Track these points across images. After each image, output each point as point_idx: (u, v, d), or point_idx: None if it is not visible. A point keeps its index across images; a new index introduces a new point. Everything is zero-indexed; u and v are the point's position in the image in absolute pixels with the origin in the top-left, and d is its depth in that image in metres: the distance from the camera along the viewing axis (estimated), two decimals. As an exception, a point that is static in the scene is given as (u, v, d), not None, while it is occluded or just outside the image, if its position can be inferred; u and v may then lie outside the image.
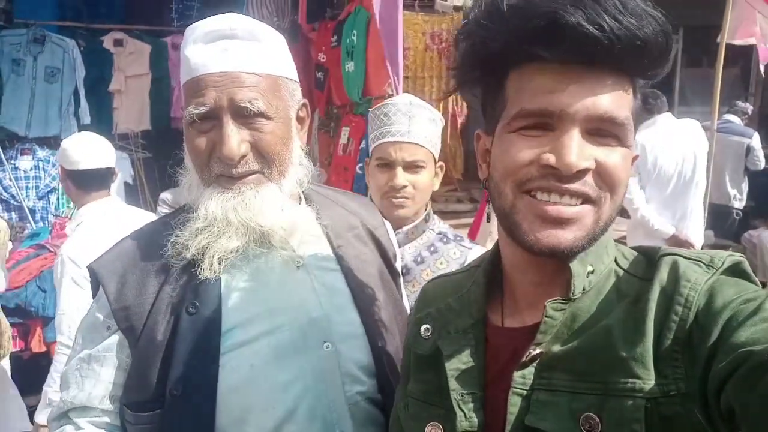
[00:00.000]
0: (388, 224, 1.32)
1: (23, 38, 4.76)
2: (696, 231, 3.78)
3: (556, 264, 0.75)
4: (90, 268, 1.08)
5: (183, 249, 1.02)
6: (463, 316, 0.84)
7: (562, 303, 0.73)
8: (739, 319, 0.61)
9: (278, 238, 1.05)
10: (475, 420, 0.76)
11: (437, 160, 1.68)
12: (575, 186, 0.69)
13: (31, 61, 4.77)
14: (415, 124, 1.59)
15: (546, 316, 0.73)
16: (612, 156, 0.70)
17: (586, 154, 0.69)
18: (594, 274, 0.75)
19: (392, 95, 3.98)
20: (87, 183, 2.43)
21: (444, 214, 5.89)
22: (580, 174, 0.69)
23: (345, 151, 4.52)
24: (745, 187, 5.59)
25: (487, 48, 0.73)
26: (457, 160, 6.46)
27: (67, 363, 1.07)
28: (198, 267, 1.01)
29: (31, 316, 3.08)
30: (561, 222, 0.70)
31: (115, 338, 1.03)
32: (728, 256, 0.71)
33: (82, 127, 4.98)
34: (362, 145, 4.18)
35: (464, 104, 5.92)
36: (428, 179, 1.64)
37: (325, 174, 4.95)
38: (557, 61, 0.68)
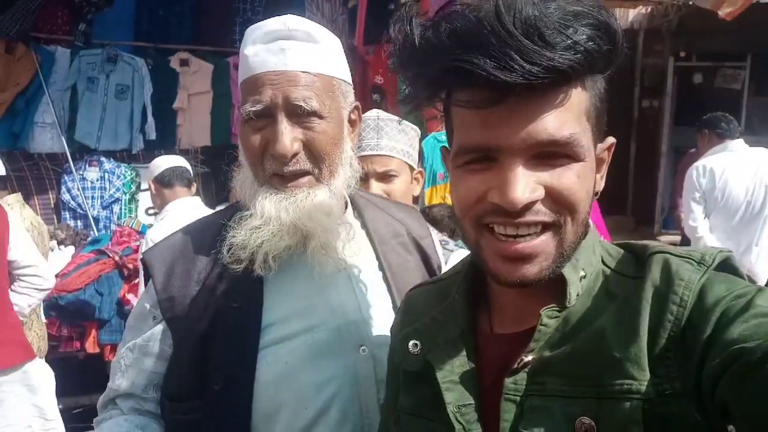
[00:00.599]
0: (435, 234, 1.31)
1: (98, 58, 5.07)
2: (764, 266, 3.58)
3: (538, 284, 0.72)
4: (142, 258, 1.12)
5: (239, 249, 1.02)
6: (449, 327, 0.82)
7: (557, 311, 0.72)
8: (731, 315, 0.61)
9: (320, 241, 1.05)
10: (475, 431, 0.74)
11: (414, 167, 1.74)
12: (527, 218, 0.66)
13: (104, 78, 5.07)
14: (383, 137, 1.66)
15: (541, 325, 0.71)
16: (564, 177, 0.66)
17: (531, 185, 0.65)
18: (585, 279, 0.73)
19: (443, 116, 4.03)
20: (170, 180, 2.98)
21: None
22: (528, 206, 0.66)
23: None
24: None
25: (417, 86, 0.71)
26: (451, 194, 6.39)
27: (117, 352, 1.11)
28: (242, 263, 1.02)
29: (87, 318, 3.22)
30: (523, 258, 0.68)
31: (159, 328, 1.05)
32: (718, 252, 0.69)
33: (147, 143, 5.24)
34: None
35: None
36: (403, 187, 1.69)
37: None
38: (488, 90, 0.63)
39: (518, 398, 0.70)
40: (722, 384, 0.57)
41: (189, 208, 2.87)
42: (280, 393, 0.99)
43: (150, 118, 5.22)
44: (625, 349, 0.65)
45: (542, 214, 0.67)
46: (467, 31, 0.62)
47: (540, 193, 0.66)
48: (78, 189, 4.88)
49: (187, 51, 5.30)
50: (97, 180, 4.97)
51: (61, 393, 3.33)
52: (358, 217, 1.19)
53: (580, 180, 0.67)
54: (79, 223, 4.90)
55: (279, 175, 1.03)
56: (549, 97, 0.64)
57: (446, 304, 0.85)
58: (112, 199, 5.01)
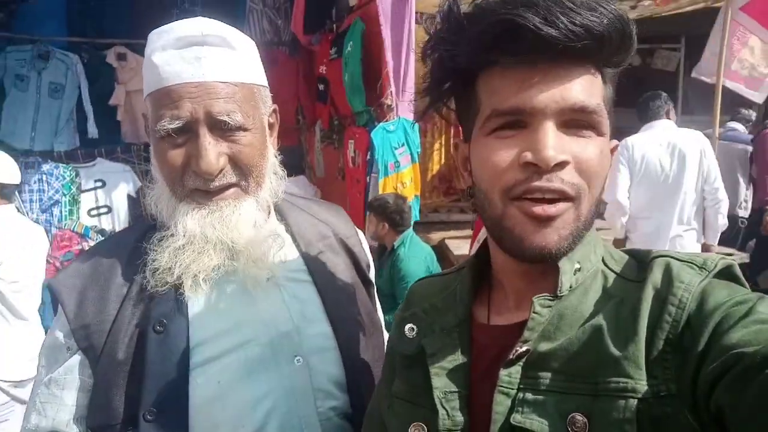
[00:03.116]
0: (360, 233, 1.29)
1: (28, 54, 4.82)
2: (690, 237, 3.74)
3: (544, 268, 0.75)
4: (48, 286, 1.03)
5: (165, 273, 0.97)
6: (448, 315, 0.84)
7: (549, 300, 0.73)
8: (731, 321, 0.61)
9: (249, 254, 1.01)
10: (459, 419, 0.75)
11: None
12: (555, 184, 0.69)
13: (36, 76, 4.82)
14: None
15: (533, 312, 0.72)
16: (588, 148, 0.70)
17: (562, 147, 0.68)
18: (581, 272, 0.74)
19: (391, 106, 4.02)
20: None
21: (447, 224, 5.89)
22: (559, 167, 0.68)
23: (354, 164, 4.55)
24: (749, 195, 5.55)
25: (453, 59, 0.74)
26: (461, 170, 6.46)
27: (32, 390, 1.02)
28: (167, 284, 0.97)
29: (30, 328, 3.07)
30: (547, 220, 0.70)
31: (76, 358, 0.97)
32: (720, 260, 0.70)
33: (88, 141, 5.03)
34: (368, 156, 4.20)
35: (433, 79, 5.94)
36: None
37: (320, 191, 4.95)
38: (522, 61, 0.69)
39: (512, 391, 0.70)
40: (719, 388, 0.58)
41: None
42: (215, 413, 0.95)
43: (90, 116, 5.02)
44: (622, 347, 0.66)
45: (567, 184, 0.69)
46: None
47: (569, 156, 0.69)
48: (15, 193, 4.65)
49: (124, 45, 5.11)
50: (35, 182, 4.75)
51: None
52: (282, 222, 1.14)
53: (601, 156, 0.71)
54: (16, 228, 4.68)
55: (202, 190, 0.98)
56: (580, 69, 0.70)
57: (447, 294, 0.87)
58: (52, 202, 4.80)
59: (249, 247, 1.01)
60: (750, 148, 5.45)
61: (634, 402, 0.63)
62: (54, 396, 0.97)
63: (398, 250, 3.74)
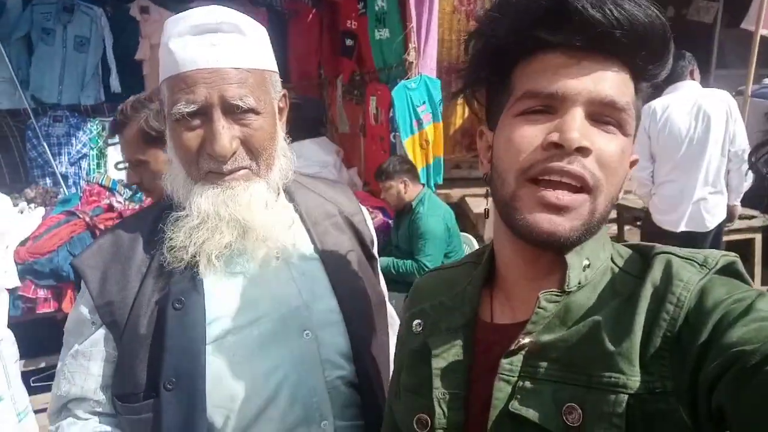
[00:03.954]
0: (365, 210, 1.34)
1: (53, 7, 4.83)
2: (715, 200, 3.68)
3: (551, 259, 0.75)
4: (72, 265, 1.10)
5: (180, 251, 1.03)
6: (455, 315, 0.85)
7: (556, 295, 0.74)
8: (731, 318, 0.61)
9: (259, 233, 1.06)
10: (454, 419, 0.77)
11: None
12: (575, 167, 0.69)
13: (61, 30, 4.85)
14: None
15: (538, 307, 0.73)
16: (611, 144, 0.71)
17: (587, 134, 0.69)
18: (590, 269, 0.75)
19: (412, 62, 3.97)
20: None
21: (468, 181, 5.86)
22: (581, 152, 0.69)
23: (377, 121, 4.53)
24: (779, 154, 5.39)
25: (496, 40, 0.75)
26: (482, 158, 6.36)
27: (60, 360, 1.10)
28: (183, 262, 1.03)
29: (63, 280, 3.22)
30: (559, 208, 0.70)
31: (101, 332, 1.05)
32: (722, 256, 0.70)
33: (112, 95, 5.09)
34: (390, 114, 4.17)
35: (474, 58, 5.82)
36: None
37: (362, 143, 4.95)
38: (561, 47, 0.70)
39: (512, 379, 0.72)
40: (720, 387, 0.58)
41: None
42: (230, 385, 1.02)
43: (114, 71, 5.06)
44: (617, 343, 0.66)
45: (587, 170, 0.69)
46: None
47: (590, 144, 0.69)
48: (44, 146, 4.77)
49: (147, -3, 5.09)
50: (63, 136, 4.86)
51: (40, 353, 3.40)
52: (290, 201, 1.19)
53: (623, 154, 0.72)
54: (47, 180, 4.82)
55: (216, 172, 1.03)
56: (613, 66, 0.70)
57: (456, 292, 0.88)
58: (80, 155, 4.92)
59: (260, 226, 1.05)
60: None
61: (624, 397, 0.64)
62: (81, 366, 1.05)
63: (417, 207, 3.75)
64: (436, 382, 0.80)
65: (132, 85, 5.15)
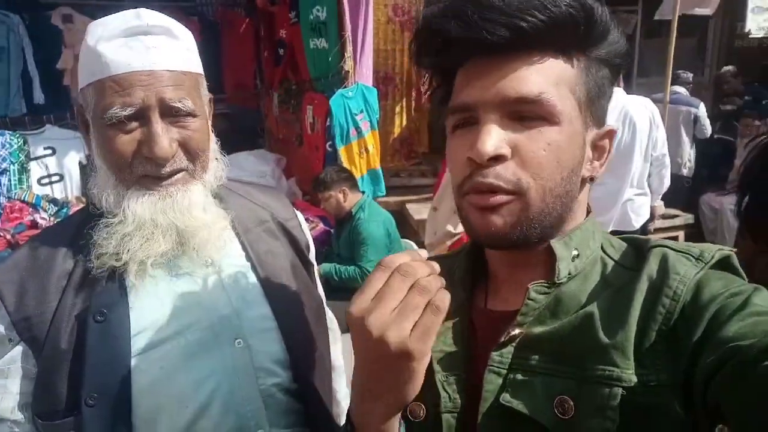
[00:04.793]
0: (300, 215, 1.33)
1: (-35, 15, 4.56)
2: (640, 201, 3.88)
3: (531, 255, 0.75)
4: None
5: (111, 258, 0.99)
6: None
7: (546, 286, 0.73)
8: (727, 313, 0.61)
9: (199, 239, 1.03)
10: (459, 401, 0.76)
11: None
12: (489, 180, 0.69)
13: (-25, 38, 4.58)
14: None
15: (528, 299, 0.72)
16: (535, 140, 0.69)
17: (498, 141, 0.68)
18: (579, 259, 0.74)
19: (348, 71, 3.98)
20: None
21: (408, 189, 5.92)
22: (496, 161, 0.68)
23: (313, 130, 4.51)
24: (692, 155, 5.76)
25: (424, 67, 0.78)
26: (421, 134, 6.48)
27: None
28: (110, 269, 0.99)
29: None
30: (488, 207, 0.70)
31: (18, 349, 0.99)
32: (717, 250, 0.70)
33: (35, 107, 4.84)
34: (327, 123, 4.16)
35: (429, 77, 5.92)
36: None
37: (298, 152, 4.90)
38: (473, 58, 0.71)
39: (503, 371, 0.71)
40: (716, 382, 0.57)
41: None
42: (157, 397, 0.98)
43: (36, 81, 4.81)
44: (611, 336, 0.66)
45: (501, 178, 0.69)
46: (450, 2, 0.69)
47: (506, 150, 0.68)
48: (-41, 161, 4.47)
49: (69, 6, 4.88)
50: (-20, 150, 4.56)
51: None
52: (220, 206, 1.16)
53: (552, 145, 0.69)
54: (-36, 198, 4.51)
55: (151, 176, 1.00)
56: (520, 59, 0.69)
57: (447, 278, 0.87)
58: (0, 171, 4.63)
59: (200, 231, 1.03)
60: (693, 110, 5.64)
61: (618, 390, 0.63)
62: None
63: (357, 214, 3.75)
64: (437, 366, 0.77)
65: (55, 96, 4.93)
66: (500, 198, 0.70)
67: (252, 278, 1.12)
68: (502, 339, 0.72)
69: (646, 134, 3.74)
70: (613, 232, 3.13)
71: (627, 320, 0.66)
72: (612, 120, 3.73)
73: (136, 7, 1.04)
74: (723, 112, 6.20)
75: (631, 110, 3.72)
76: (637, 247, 0.76)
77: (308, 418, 1.10)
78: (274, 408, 1.06)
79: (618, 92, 3.83)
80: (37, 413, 0.98)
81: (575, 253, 0.74)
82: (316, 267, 1.33)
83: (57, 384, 0.96)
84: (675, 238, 5.04)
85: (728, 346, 0.57)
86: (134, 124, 0.97)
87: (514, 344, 0.72)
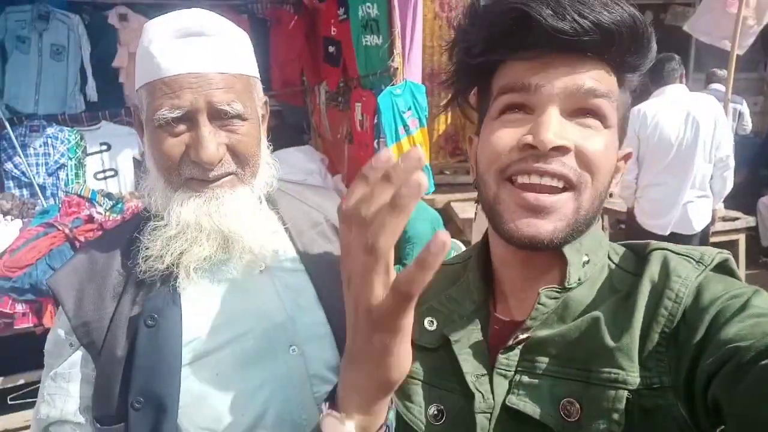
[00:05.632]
0: None
1: (28, 15, 4.72)
2: (701, 203, 3.72)
3: (547, 257, 0.75)
4: (48, 284, 1.06)
5: (156, 261, 0.99)
6: (465, 303, 0.85)
7: (557, 291, 0.74)
8: (727, 315, 0.62)
9: (244, 244, 1.02)
10: (491, 401, 0.76)
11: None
12: (553, 166, 0.69)
13: (37, 38, 4.74)
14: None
15: (539, 303, 0.73)
16: (593, 140, 0.70)
17: (564, 133, 0.68)
18: (589, 265, 0.75)
19: (397, 68, 3.95)
20: None
21: (453, 186, 5.86)
22: (558, 152, 0.68)
23: (362, 128, 4.50)
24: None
25: (473, 50, 0.75)
26: (466, 130, 6.41)
27: (41, 383, 1.06)
28: (158, 277, 0.99)
29: (42, 294, 3.12)
30: (540, 210, 0.70)
31: (79, 354, 1.01)
32: (717, 254, 0.72)
33: (90, 104, 4.99)
34: (375, 121, 4.14)
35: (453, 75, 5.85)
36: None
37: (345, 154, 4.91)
38: (534, 51, 0.70)
39: (509, 373, 0.72)
40: (716, 382, 0.58)
41: None
42: (214, 405, 0.98)
43: (90, 80, 4.95)
44: (617, 339, 0.67)
45: (568, 167, 0.69)
46: None
47: (570, 142, 0.69)
48: (20, 156, 4.65)
49: (125, 5, 5.00)
50: (40, 146, 4.73)
51: (19, 370, 3.30)
52: (273, 210, 1.15)
53: (606, 148, 0.71)
54: (24, 191, 4.69)
55: (198, 179, 0.99)
56: (593, 63, 0.70)
57: (460, 284, 0.87)
58: (57, 165, 4.79)
59: (245, 235, 1.02)
60: (737, 107, 5.46)
61: (624, 393, 0.64)
62: (60, 388, 1.01)
63: (405, 214, 3.73)
64: (465, 367, 0.78)
65: (111, 93, 5.07)
66: (559, 197, 0.69)
67: (306, 283, 1.10)
68: (510, 342, 0.74)
69: (710, 135, 3.59)
70: (672, 235, 3.06)
71: (631, 323, 0.67)
72: (674, 118, 3.60)
73: (187, 6, 1.04)
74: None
75: (694, 109, 3.58)
76: (636, 251, 0.77)
77: None
78: None
79: (681, 89, 3.69)
80: (96, 417, 1.00)
81: (585, 259, 0.75)
82: None
83: (112, 389, 0.98)
84: (735, 242, 4.83)
85: (728, 347, 0.58)
86: (182, 126, 0.97)
87: (520, 348, 0.73)
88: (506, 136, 0.71)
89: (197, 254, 0.99)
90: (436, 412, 0.79)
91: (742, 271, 4.83)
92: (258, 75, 1.09)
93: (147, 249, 1.00)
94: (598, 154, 0.70)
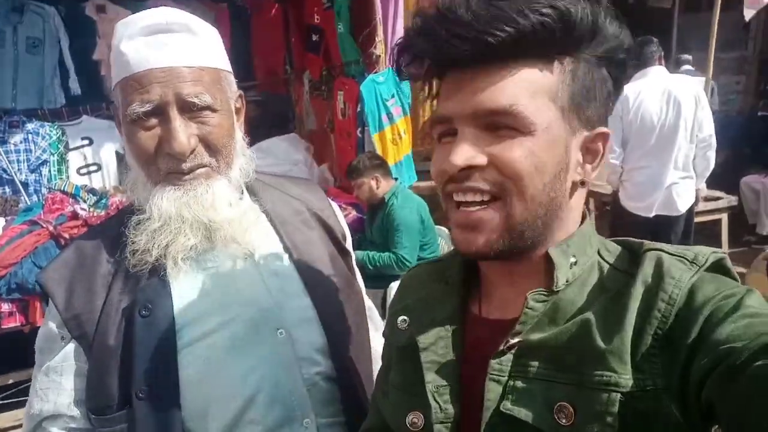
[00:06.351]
0: (334, 204, 1.34)
1: (1, 8, 4.62)
2: (685, 184, 3.75)
3: (528, 262, 0.76)
4: (38, 280, 1.09)
5: (144, 254, 1.02)
6: (439, 307, 0.84)
7: (545, 295, 0.74)
8: (720, 315, 0.62)
9: (225, 233, 1.06)
10: (451, 411, 0.77)
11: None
12: (469, 183, 0.71)
13: (11, 31, 4.65)
14: None
15: (527, 308, 0.73)
16: (508, 148, 0.69)
17: (471, 152, 0.70)
18: (577, 266, 0.75)
19: (380, 56, 3.93)
20: None
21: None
22: (469, 171, 0.70)
23: (344, 116, 4.49)
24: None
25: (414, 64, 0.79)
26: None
27: (33, 378, 1.08)
28: (145, 268, 1.02)
29: (29, 292, 3.11)
30: (470, 226, 0.73)
31: (71, 346, 1.03)
32: (711, 253, 0.71)
33: (71, 98, 4.91)
34: (358, 109, 4.13)
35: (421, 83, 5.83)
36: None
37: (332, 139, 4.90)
38: (454, 68, 0.72)
39: (503, 378, 0.72)
40: (709, 383, 0.58)
41: None
42: (205, 390, 1.01)
43: (72, 73, 4.87)
44: (608, 341, 0.66)
45: (480, 181, 0.71)
46: (424, 17, 0.71)
47: (481, 160, 0.70)
48: (1, 153, 4.58)
49: (102, -4, 4.91)
50: (21, 142, 4.65)
51: (7, 369, 3.28)
52: (255, 201, 1.18)
53: (527, 154, 0.69)
54: (6, 189, 4.63)
55: (175, 172, 1.02)
56: (493, 71, 0.69)
57: (440, 285, 0.88)
58: (39, 161, 4.72)
59: (225, 225, 1.05)
60: (711, 83, 5.53)
61: (617, 396, 0.64)
62: (53, 382, 1.03)
63: (390, 201, 3.74)
64: (428, 376, 0.79)
65: (91, 87, 4.99)
66: (482, 213, 0.71)
67: (291, 269, 1.13)
68: (501, 347, 0.73)
69: (692, 115, 3.61)
70: (657, 217, 3.11)
71: (623, 325, 0.66)
72: (656, 100, 3.61)
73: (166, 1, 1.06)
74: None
75: (675, 90, 3.60)
76: (631, 250, 0.76)
77: (351, 407, 1.11)
78: (318, 397, 1.08)
79: (660, 71, 3.70)
80: (90, 409, 1.02)
81: (573, 260, 0.75)
82: (353, 255, 1.34)
83: (107, 379, 1.00)
84: (718, 221, 4.89)
85: (721, 348, 0.58)
86: (154, 120, 1.00)
87: (512, 352, 0.72)
88: (439, 158, 0.74)
89: (183, 244, 1.02)
90: (413, 420, 0.79)
91: (725, 250, 4.90)
92: (229, 69, 1.12)
93: (133, 243, 1.03)
94: (515, 162, 0.69)
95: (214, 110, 1.02)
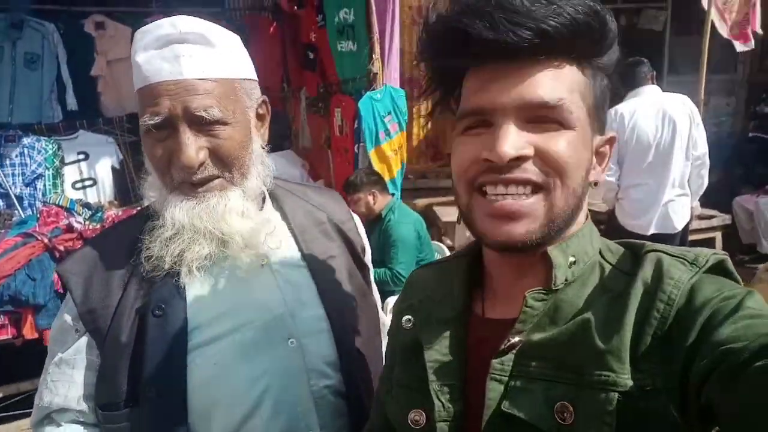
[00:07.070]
0: (356, 217, 1.32)
1: (0, 23, 4.65)
2: (681, 202, 3.78)
3: (533, 259, 0.76)
4: (58, 272, 1.09)
5: (159, 261, 1.02)
6: (445, 307, 0.84)
7: (543, 294, 0.74)
8: (720, 316, 0.62)
9: (239, 242, 1.04)
10: (452, 410, 0.77)
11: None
12: (515, 174, 0.70)
13: (10, 46, 4.68)
14: None
15: (525, 306, 0.73)
16: (553, 140, 0.70)
17: (519, 142, 0.69)
18: (577, 265, 0.75)
19: (376, 73, 3.97)
20: None
21: (435, 190, 5.88)
22: (517, 162, 0.70)
23: (342, 133, 4.51)
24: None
25: (433, 63, 0.79)
26: (447, 135, 6.44)
27: (44, 369, 1.07)
28: (160, 274, 1.02)
29: (22, 305, 3.07)
30: (510, 216, 0.71)
31: (84, 340, 1.03)
32: (712, 255, 0.71)
33: (68, 113, 4.92)
34: (355, 125, 4.15)
35: (428, 79, 5.89)
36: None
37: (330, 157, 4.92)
38: (488, 61, 0.71)
39: (504, 378, 0.72)
40: (709, 385, 0.58)
41: None
42: (212, 393, 1.00)
43: (69, 88, 4.89)
44: (607, 341, 0.66)
45: (531, 172, 0.70)
46: (474, 5, 0.69)
47: (529, 150, 0.70)
48: (-4, 167, 4.57)
49: (102, 13, 4.95)
50: (17, 156, 4.65)
51: (0, 382, 3.23)
52: (277, 209, 1.17)
53: (570, 147, 0.71)
54: (1, 202, 4.61)
55: (188, 183, 1.02)
56: (541, 65, 0.70)
57: (444, 285, 0.87)
58: (35, 176, 4.72)
59: (238, 236, 1.04)
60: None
61: (615, 395, 0.64)
62: (64, 374, 1.03)
63: (387, 216, 3.75)
64: (432, 375, 0.78)
65: (88, 102, 5.01)
66: (526, 202, 0.71)
67: (307, 279, 1.12)
68: (502, 347, 0.73)
69: (687, 133, 3.65)
70: (654, 235, 3.09)
71: (623, 325, 0.67)
72: (651, 118, 3.65)
73: (164, 12, 1.07)
74: (759, 109, 6.07)
75: (670, 108, 3.63)
76: (633, 250, 0.77)
77: (358, 423, 1.08)
78: (324, 410, 1.06)
79: (654, 89, 3.75)
80: (99, 404, 1.01)
81: (572, 259, 0.75)
82: (371, 270, 1.32)
83: (117, 376, 1.00)
84: (712, 240, 4.91)
85: (721, 349, 0.58)
86: (165, 132, 1.00)
87: (514, 352, 0.72)
88: (469, 150, 0.73)
89: (198, 253, 1.02)
90: (415, 419, 0.79)
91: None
92: (252, 76, 1.10)
93: (148, 249, 1.03)
94: (561, 153, 0.70)
95: (225, 123, 1.01)
